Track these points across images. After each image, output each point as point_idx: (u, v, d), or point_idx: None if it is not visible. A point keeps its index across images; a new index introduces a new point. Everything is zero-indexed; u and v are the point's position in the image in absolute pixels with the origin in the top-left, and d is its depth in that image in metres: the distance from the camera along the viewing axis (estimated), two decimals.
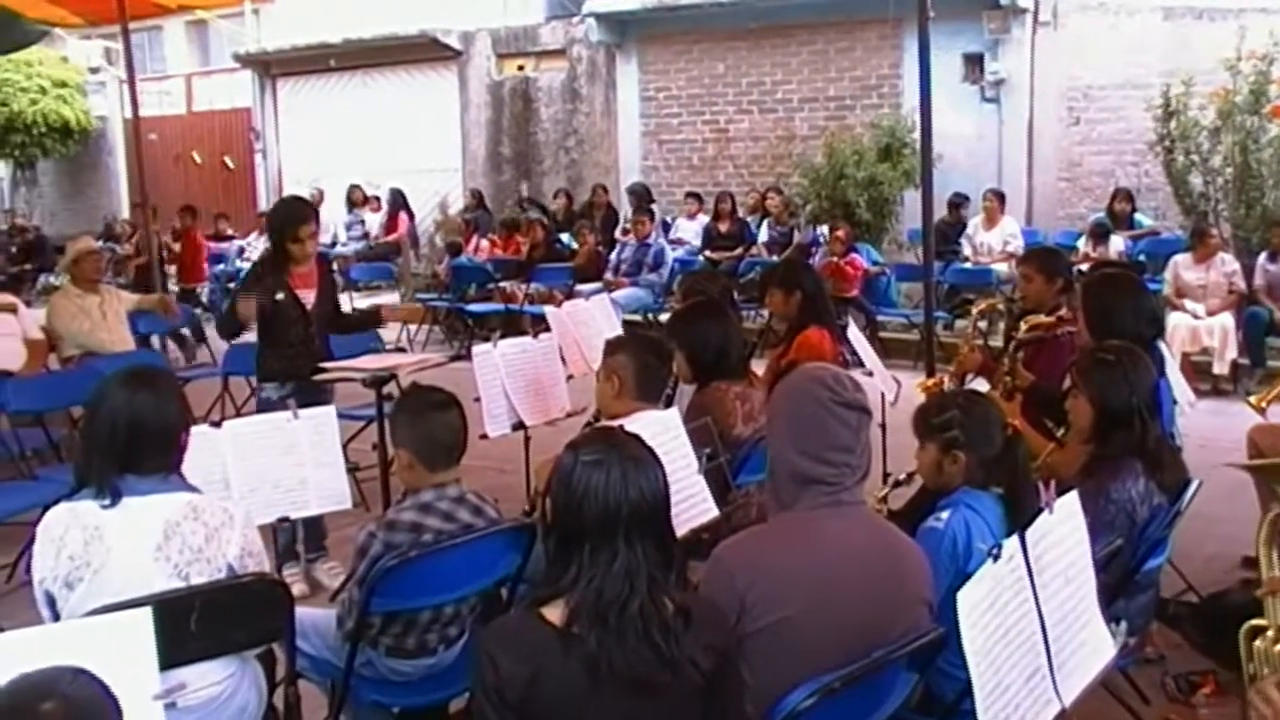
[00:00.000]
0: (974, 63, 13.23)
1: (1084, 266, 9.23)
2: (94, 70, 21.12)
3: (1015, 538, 2.40)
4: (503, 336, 5.42)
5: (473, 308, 12.48)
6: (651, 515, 2.28)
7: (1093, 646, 2.64)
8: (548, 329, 5.60)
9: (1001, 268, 11.35)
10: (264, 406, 5.29)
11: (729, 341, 4.48)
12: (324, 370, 5.28)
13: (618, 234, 13.50)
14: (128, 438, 2.97)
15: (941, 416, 3.32)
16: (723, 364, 4.42)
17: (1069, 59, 12.96)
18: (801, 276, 5.56)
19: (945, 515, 3.16)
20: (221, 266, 16.37)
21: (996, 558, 2.32)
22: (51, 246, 17.04)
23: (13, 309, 7.31)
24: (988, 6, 12.75)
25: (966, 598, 2.22)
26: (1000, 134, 13.31)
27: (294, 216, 5.48)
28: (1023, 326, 5.09)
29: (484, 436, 4.88)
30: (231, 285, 15.14)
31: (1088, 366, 3.75)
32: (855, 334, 5.61)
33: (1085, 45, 12.84)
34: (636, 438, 2.40)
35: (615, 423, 3.23)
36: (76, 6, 9.61)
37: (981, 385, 5.06)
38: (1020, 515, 3.11)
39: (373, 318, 6.19)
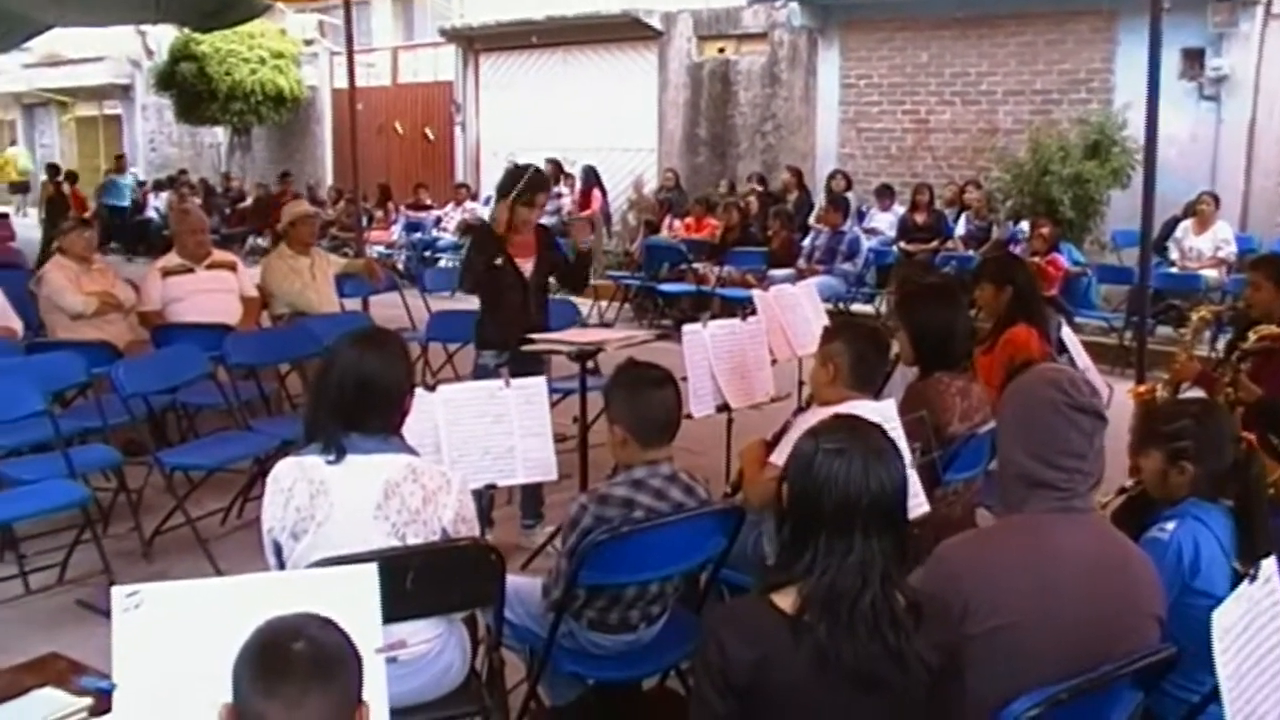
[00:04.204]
0: (1193, 58, 12.56)
1: None
2: (308, 42, 21.97)
3: (1273, 559, 2.27)
4: (704, 319, 5.41)
5: (664, 287, 12.55)
6: (890, 508, 2.23)
7: None
8: (751, 312, 5.57)
9: (1211, 274, 10.87)
10: (481, 373, 5.43)
11: (956, 328, 4.35)
12: (532, 341, 5.35)
13: (811, 220, 13.38)
14: (356, 397, 3.02)
15: (1173, 425, 3.16)
16: (946, 351, 4.29)
17: None
18: (1015, 271, 5.38)
19: (1171, 526, 3.02)
20: (419, 235, 16.83)
21: (1253, 579, 2.21)
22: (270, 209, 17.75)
23: (233, 266, 7.63)
24: None
25: (1220, 620, 2.12)
26: (1217, 134, 12.64)
27: (534, 182, 5.71)
28: (1250, 337, 4.86)
29: (688, 416, 4.85)
30: (427, 254, 15.68)
31: None
32: (1069, 335, 5.41)
33: None
34: (878, 428, 2.35)
35: (830, 409, 3.19)
36: None
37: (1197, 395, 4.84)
38: (1255, 535, 2.97)
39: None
